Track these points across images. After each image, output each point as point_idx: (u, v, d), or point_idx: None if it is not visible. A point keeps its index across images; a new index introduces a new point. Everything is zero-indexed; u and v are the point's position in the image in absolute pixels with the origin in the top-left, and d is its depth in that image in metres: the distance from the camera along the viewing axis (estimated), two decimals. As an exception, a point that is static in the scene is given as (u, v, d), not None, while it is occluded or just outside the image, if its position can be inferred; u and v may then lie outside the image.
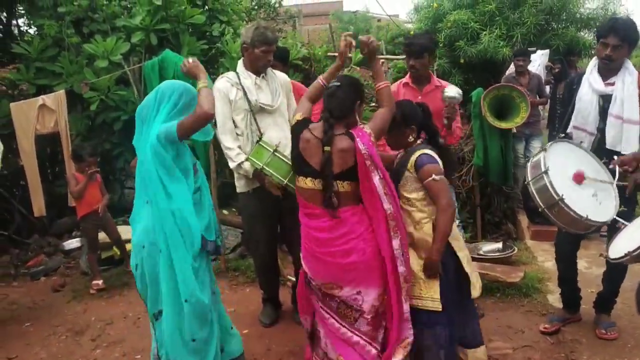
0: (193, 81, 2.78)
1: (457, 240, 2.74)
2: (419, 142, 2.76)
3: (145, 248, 2.65)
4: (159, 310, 2.69)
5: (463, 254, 2.73)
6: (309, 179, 2.56)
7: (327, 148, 2.49)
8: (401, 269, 2.51)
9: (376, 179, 2.46)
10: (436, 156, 2.66)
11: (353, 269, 2.53)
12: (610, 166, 3.03)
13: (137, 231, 2.70)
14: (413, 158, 2.64)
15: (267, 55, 3.45)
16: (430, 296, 2.61)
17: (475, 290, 2.72)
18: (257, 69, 3.49)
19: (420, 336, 2.62)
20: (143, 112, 2.69)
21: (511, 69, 6.31)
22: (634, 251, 2.59)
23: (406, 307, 2.54)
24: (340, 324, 2.61)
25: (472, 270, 2.75)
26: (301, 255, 2.70)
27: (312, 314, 2.80)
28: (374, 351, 2.60)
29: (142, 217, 2.68)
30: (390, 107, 2.63)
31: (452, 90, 3.41)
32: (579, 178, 2.99)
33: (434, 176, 2.57)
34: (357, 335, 2.60)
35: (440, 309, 2.59)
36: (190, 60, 2.79)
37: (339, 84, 2.60)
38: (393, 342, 2.57)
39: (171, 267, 2.60)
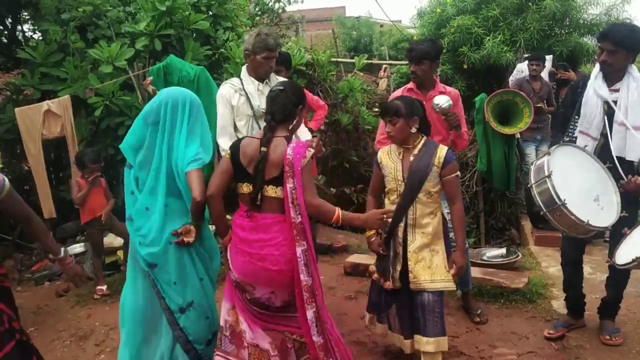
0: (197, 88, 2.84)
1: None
2: (423, 138, 2.92)
3: (172, 244, 2.76)
4: (188, 302, 2.81)
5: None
6: (245, 184, 2.61)
7: (263, 149, 2.54)
8: (302, 276, 2.50)
9: (288, 186, 2.49)
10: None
11: (265, 274, 2.56)
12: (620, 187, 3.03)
13: (160, 231, 2.76)
14: (440, 153, 2.83)
15: (269, 61, 3.48)
16: (448, 278, 2.87)
17: None
18: (260, 75, 3.52)
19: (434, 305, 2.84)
20: (151, 115, 2.79)
21: (515, 73, 6.32)
22: None
23: (310, 315, 2.53)
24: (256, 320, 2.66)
25: None
26: (228, 254, 2.72)
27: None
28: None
29: (158, 218, 2.75)
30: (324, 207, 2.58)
31: (439, 99, 3.37)
32: None
33: (457, 172, 2.85)
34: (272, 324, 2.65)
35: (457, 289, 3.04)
36: None
37: (282, 87, 2.66)
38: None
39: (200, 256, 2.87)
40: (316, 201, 2.53)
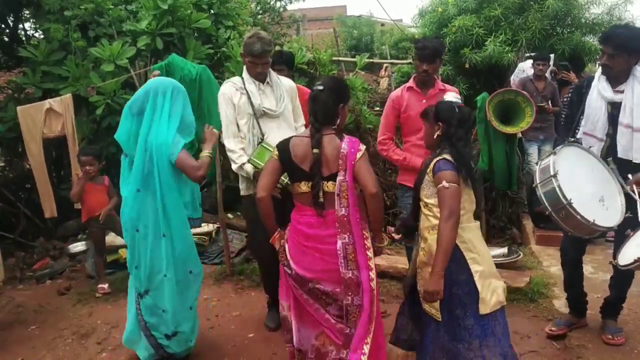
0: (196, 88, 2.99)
1: (472, 252, 2.55)
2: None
3: (149, 235, 3.06)
4: (145, 290, 3.12)
5: (479, 268, 2.53)
6: (302, 182, 2.62)
7: (315, 150, 2.54)
8: (341, 269, 2.54)
9: (338, 179, 2.52)
10: (454, 162, 2.54)
11: (336, 269, 2.56)
12: (627, 187, 3.02)
13: (139, 220, 3.06)
14: (433, 162, 2.56)
15: (255, 66, 3.48)
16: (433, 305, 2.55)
17: (484, 306, 2.51)
18: (252, 76, 3.53)
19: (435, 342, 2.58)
20: (135, 105, 3.01)
21: (517, 72, 6.31)
22: None
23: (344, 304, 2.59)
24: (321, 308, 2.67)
25: (489, 285, 2.54)
26: (288, 251, 2.71)
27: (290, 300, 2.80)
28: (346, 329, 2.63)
29: (136, 206, 3.03)
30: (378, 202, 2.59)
31: (449, 96, 3.36)
32: None
33: (444, 183, 2.46)
34: (328, 314, 2.67)
35: (440, 319, 2.53)
36: (210, 128, 3.22)
37: (322, 87, 2.63)
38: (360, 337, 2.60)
39: (174, 246, 3.07)
40: (379, 192, 2.55)
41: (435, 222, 2.54)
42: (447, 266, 2.45)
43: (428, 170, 2.58)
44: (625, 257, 2.82)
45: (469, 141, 2.76)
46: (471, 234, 2.59)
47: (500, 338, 2.54)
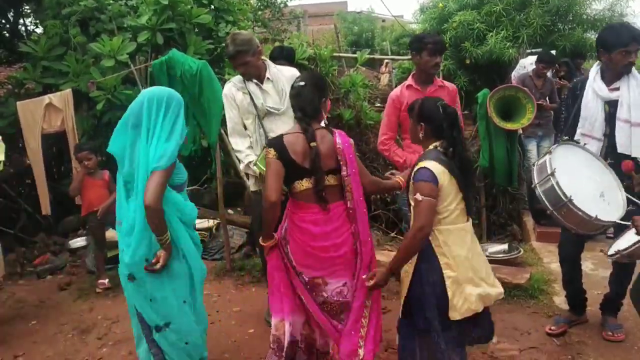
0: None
1: (446, 256, 2.46)
2: (431, 147, 2.55)
3: (148, 261, 2.61)
4: (165, 323, 2.67)
5: (452, 274, 2.44)
6: (304, 179, 2.60)
7: (313, 144, 2.55)
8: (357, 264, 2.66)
9: (342, 174, 2.59)
10: (437, 172, 2.42)
11: (342, 261, 2.65)
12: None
13: (138, 244, 2.63)
14: (416, 168, 2.49)
15: (236, 68, 3.47)
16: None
17: (454, 312, 2.43)
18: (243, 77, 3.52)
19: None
20: (131, 119, 2.66)
21: (518, 68, 6.30)
22: (624, 250, 2.67)
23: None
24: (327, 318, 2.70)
25: (462, 292, 2.44)
26: (290, 251, 2.70)
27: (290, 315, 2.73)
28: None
29: (139, 228, 2.63)
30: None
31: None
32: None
33: (417, 195, 2.40)
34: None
35: (401, 317, 2.60)
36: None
37: (303, 83, 2.64)
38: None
39: (170, 273, 2.65)
40: (373, 178, 2.81)
41: None
42: (419, 267, 2.49)
43: (412, 175, 2.52)
44: (613, 248, 2.85)
45: (462, 140, 2.65)
46: (450, 237, 2.47)
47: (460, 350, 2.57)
